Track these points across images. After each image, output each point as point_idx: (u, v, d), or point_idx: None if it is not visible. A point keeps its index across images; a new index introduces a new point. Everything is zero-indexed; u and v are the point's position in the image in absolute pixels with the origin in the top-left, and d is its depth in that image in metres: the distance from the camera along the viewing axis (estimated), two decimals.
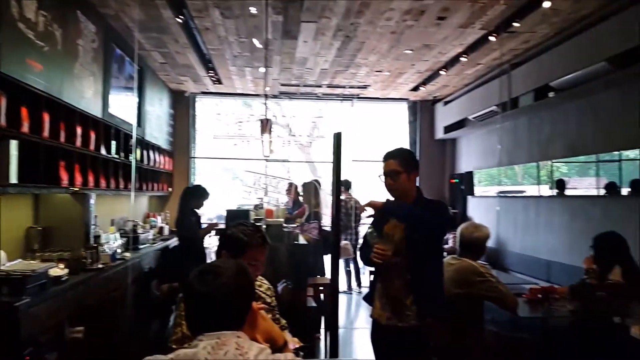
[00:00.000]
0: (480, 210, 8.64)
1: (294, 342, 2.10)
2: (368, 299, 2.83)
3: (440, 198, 9.73)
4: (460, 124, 8.56)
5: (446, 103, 9.14)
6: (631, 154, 5.19)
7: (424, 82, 8.08)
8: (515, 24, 5.13)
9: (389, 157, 2.68)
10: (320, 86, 8.49)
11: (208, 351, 1.27)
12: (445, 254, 3.96)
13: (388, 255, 2.52)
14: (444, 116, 9.22)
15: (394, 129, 10.36)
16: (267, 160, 8.29)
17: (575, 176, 6.94)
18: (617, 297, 3.62)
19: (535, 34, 5.58)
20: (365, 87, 8.52)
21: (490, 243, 7.87)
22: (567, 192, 6.41)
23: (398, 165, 2.62)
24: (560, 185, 6.52)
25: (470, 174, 9.07)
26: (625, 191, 5.41)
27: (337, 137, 3.02)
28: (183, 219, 5.52)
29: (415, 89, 8.56)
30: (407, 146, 9.93)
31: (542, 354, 3.77)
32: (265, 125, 5.50)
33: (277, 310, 2.53)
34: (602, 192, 5.75)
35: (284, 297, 3.47)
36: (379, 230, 2.72)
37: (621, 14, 4.55)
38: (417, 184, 2.81)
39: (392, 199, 2.70)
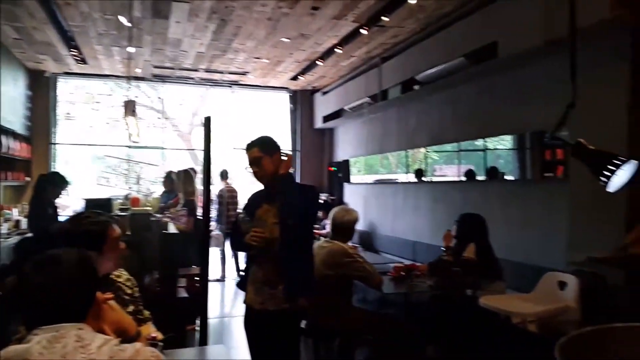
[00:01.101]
0: (356, 196, 9.02)
1: (146, 334, 2.01)
2: (241, 285, 2.82)
3: (319, 185, 10.00)
4: (337, 114, 8.83)
5: (324, 93, 9.36)
6: (490, 144, 5.69)
7: (303, 72, 8.19)
8: (385, 18, 5.38)
9: (250, 146, 2.73)
10: (197, 70, 8.22)
11: (43, 345, 1.17)
12: (322, 238, 4.08)
13: (265, 237, 2.55)
14: (323, 106, 9.44)
15: (275, 118, 10.43)
16: (136, 146, 7.84)
17: (443, 164, 7.45)
18: (469, 272, 3.99)
19: (403, 28, 5.91)
20: (244, 73, 8.42)
21: (364, 227, 8.29)
22: (435, 179, 6.89)
23: (259, 152, 2.67)
24: (419, 173, 7.01)
25: (346, 162, 9.41)
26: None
27: (207, 122, 2.95)
28: (37, 210, 5.00)
29: (295, 78, 8.65)
30: (288, 135, 10.05)
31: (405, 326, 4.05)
32: (128, 107, 5.15)
33: (140, 302, 2.41)
34: (464, 178, 6.27)
35: (152, 288, 3.34)
36: (251, 215, 2.72)
37: (477, 13, 4.98)
38: (292, 172, 2.85)
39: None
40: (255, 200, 2.80)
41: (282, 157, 2.71)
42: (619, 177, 1.60)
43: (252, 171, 2.72)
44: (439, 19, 5.56)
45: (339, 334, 3.81)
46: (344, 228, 3.82)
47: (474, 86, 5.63)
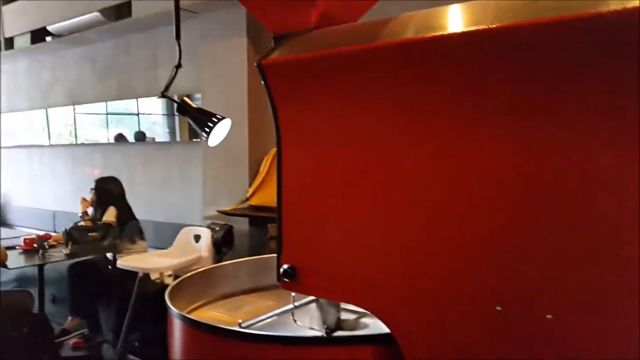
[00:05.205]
0: None
1: None
2: None
3: None
4: None
5: None
6: (145, 109, 5.57)
7: None
8: None
9: None
10: None
11: None
12: None
13: None
14: None
15: None
16: None
17: (100, 127, 6.91)
18: (108, 236, 3.94)
19: None
20: None
21: None
22: (85, 142, 6.36)
23: None
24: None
25: None
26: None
27: None
28: None
29: None
30: None
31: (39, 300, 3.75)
32: None
33: None
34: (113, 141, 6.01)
35: None
36: None
37: None
38: None
39: None
40: None
41: None
42: (217, 133, 1.81)
43: None
44: None
45: None
46: None
47: (111, 43, 5.43)
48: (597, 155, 0.83)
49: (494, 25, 0.87)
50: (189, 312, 1.55)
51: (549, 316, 0.86)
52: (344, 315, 1.41)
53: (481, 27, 0.89)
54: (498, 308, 0.90)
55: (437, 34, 0.94)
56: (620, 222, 0.82)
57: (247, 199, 4.03)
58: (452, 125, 0.97)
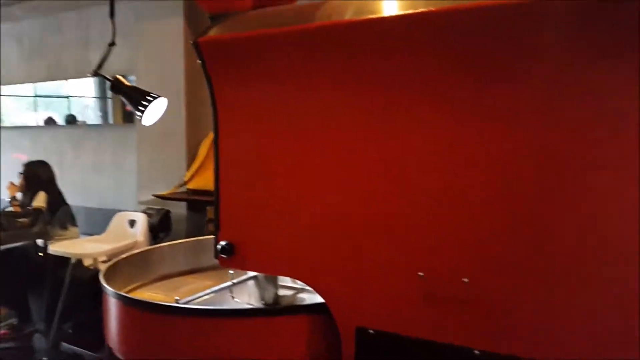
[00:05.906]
0: None
1: None
2: None
3: None
4: None
5: None
6: (75, 92, 5.34)
7: None
8: None
9: None
10: None
11: None
12: None
13: None
14: None
15: None
16: None
17: (27, 111, 6.58)
18: (38, 222, 3.77)
19: None
20: None
21: None
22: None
23: None
24: None
25: None
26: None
27: None
28: None
29: None
30: None
31: None
32: None
33: None
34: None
35: None
36: None
37: None
38: None
39: None
40: None
41: None
42: (153, 112, 1.78)
43: None
44: None
45: None
46: None
47: (40, 22, 5.15)
48: (507, 134, 0.91)
49: (424, 10, 0.93)
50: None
51: (465, 279, 0.94)
52: (282, 292, 1.45)
53: (411, 11, 0.95)
54: (420, 274, 0.97)
55: (371, 17, 0.99)
56: (533, 195, 0.91)
57: (185, 183, 3.98)
58: (381, 105, 1.03)
